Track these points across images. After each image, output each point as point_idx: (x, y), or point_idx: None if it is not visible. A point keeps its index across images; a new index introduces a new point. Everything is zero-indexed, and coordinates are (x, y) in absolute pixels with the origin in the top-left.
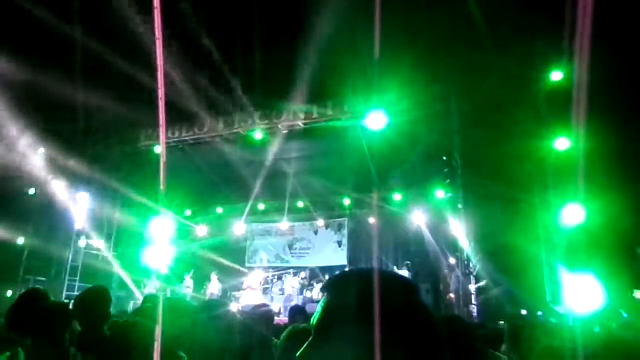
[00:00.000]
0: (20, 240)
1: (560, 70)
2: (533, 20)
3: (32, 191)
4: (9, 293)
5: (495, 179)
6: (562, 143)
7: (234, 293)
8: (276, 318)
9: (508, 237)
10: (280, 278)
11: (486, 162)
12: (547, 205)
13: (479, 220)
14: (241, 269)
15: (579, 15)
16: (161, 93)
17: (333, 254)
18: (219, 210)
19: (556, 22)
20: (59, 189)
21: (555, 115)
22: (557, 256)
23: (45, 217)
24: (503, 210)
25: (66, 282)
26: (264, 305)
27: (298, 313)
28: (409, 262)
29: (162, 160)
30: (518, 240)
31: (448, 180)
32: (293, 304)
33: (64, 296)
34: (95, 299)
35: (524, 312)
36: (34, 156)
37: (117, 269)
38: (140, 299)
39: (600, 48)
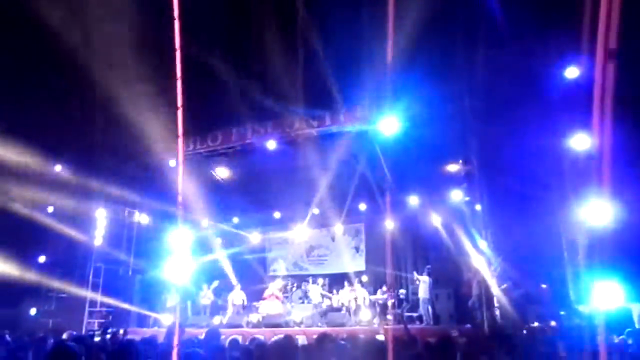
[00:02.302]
0: (41, 259)
1: (576, 66)
2: (547, 16)
3: (50, 209)
4: (33, 311)
5: (513, 179)
6: (579, 141)
7: (253, 303)
8: (296, 329)
9: (528, 237)
10: (299, 286)
11: (503, 162)
12: (567, 204)
13: (498, 221)
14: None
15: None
16: (180, 103)
17: (351, 259)
18: (235, 220)
19: (571, 17)
20: (77, 206)
21: (572, 112)
22: (579, 255)
23: (64, 234)
24: (522, 210)
25: (88, 298)
26: (285, 335)
27: (326, 341)
28: (429, 267)
29: (180, 172)
30: (539, 240)
31: (465, 183)
32: (311, 312)
33: (86, 312)
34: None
35: (553, 323)
36: (51, 174)
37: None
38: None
39: (621, 43)
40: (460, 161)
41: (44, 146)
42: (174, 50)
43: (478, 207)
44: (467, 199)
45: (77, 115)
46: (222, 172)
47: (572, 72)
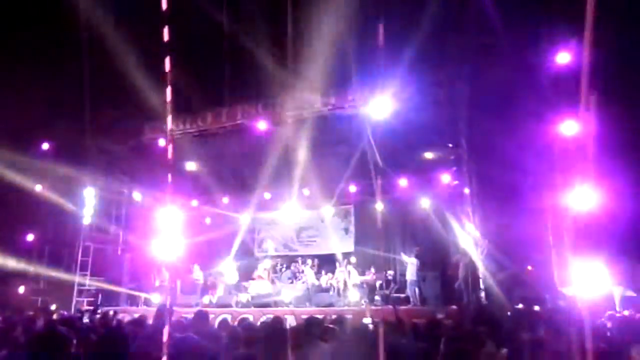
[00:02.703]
0: (30, 237)
1: (567, 52)
2: (538, 1)
3: (38, 187)
4: (22, 289)
5: (501, 163)
6: (569, 127)
7: (242, 283)
8: (285, 309)
9: (515, 220)
10: (288, 267)
11: (493, 147)
12: (554, 188)
13: (485, 205)
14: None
15: None
16: (169, 86)
17: (340, 241)
18: (225, 200)
19: (562, 2)
20: (66, 184)
21: (562, 98)
22: (564, 240)
23: (52, 213)
24: (509, 193)
25: (77, 276)
26: (274, 317)
27: (314, 325)
28: (417, 249)
29: (169, 150)
30: (525, 223)
31: (454, 168)
32: (300, 293)
33: (75, 290)
34: (114, 345)
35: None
36: (39, 152)
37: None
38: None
39: (608, 28)
40: (450, 145)
41: (32, 123)
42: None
43: (466, 190)
44: (455, 182)
45: (67, 91)
46: (190, 166)
47: (563, 58)
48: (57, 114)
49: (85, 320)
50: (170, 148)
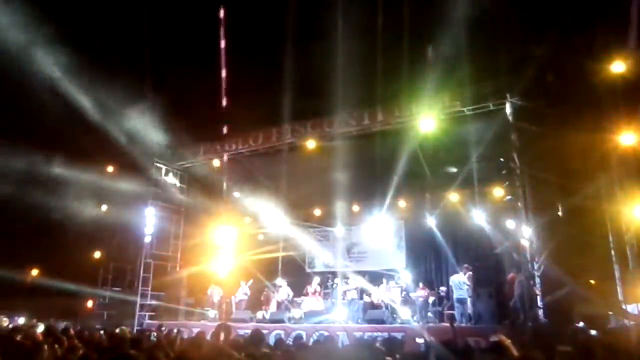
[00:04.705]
0: (97, 255)
1: (622, 61)
2: (592, 10)
3: (103, 208)
4: (90, 303)
5: (557, 176)
6: (627, 137)
7: (295, 298)
8: (337, 325)
9: (573, 235)
10: (340, 283)
11: (547, 159)
12: (615, 200)
13: (541, 219)
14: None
15: None
16: (225, 106)
17: (391, 256)
18: (277, 217)
19: (617, 12)
20: (127, 204)
21: (618, 107)
22: (628, 253)
23: (116, 232)
24: (566, 208)
25: (139, 291)
26: (327, 335)
27: (363, 347)
28: (467, 266)
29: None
30: (584, 238)
31: (507, 182)
32: (353, 310)
33: (138, 304)
34: None
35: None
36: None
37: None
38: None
39: None
40: (502, 159)
41: (97, 147)
42: (219, 58)
43: (520, 204)
44: (509, 197)
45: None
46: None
47: (618, 67)
48: (119, 137)
49: (153, 338)
50: (225, 169)
